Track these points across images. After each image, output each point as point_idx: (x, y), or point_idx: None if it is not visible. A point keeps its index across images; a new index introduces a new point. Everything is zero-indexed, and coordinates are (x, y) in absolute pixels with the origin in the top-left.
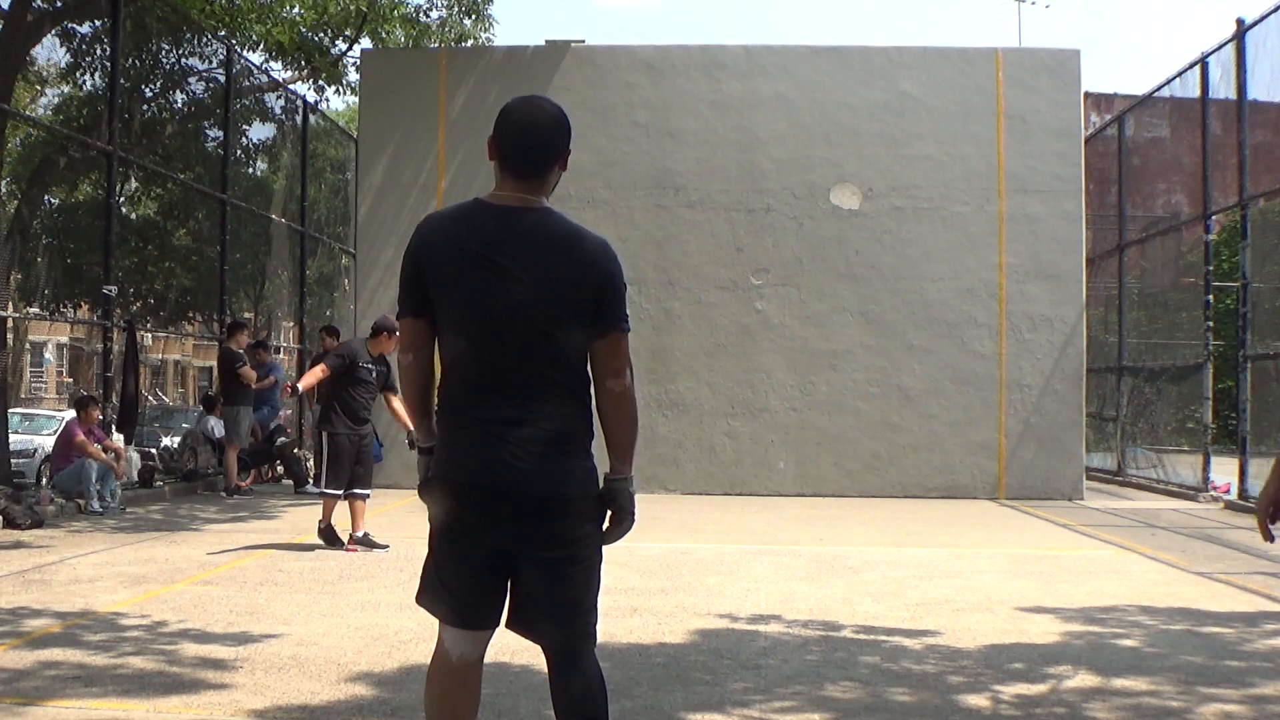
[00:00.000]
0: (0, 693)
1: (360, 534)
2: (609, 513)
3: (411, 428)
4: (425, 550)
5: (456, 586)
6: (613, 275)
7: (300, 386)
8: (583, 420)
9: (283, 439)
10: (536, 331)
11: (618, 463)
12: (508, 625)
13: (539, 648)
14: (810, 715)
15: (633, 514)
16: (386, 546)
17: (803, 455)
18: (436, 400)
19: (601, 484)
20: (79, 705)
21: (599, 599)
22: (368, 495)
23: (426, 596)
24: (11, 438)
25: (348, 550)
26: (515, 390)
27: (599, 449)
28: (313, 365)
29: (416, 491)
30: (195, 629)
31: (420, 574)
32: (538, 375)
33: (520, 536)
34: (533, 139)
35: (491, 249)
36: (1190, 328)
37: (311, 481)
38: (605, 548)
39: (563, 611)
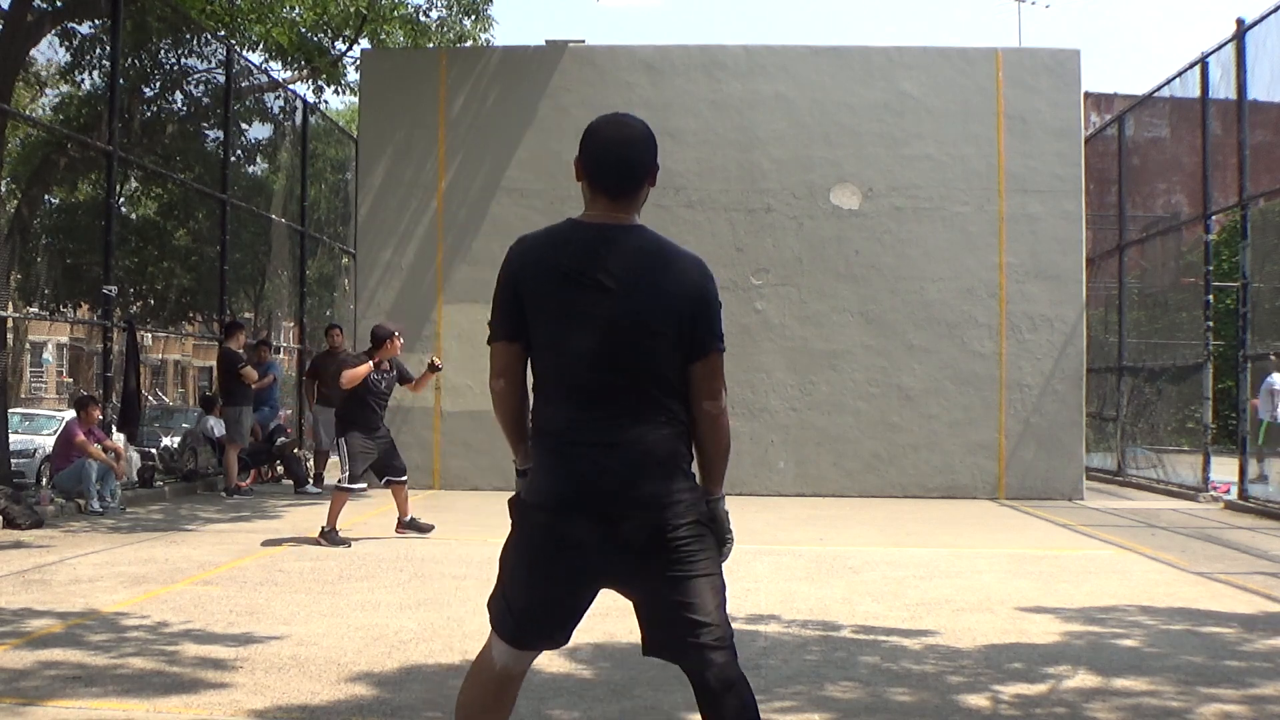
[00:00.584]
0: (1, 692)
1: (408, 519)
2: (709, 512)
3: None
4: (424, 551)
5: (523, 606)
6: (711, 293)
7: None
8: (684, 441)
9: (282, 439)
10: (639, 350)
11: (711, 485)
12: (645, 652)
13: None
14: (810, 715)
15: (732, 535)
16: (432, 527)
17: (803, 455)
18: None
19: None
20: (79, 705)
21: (727, 609)
22: (404, 480)
23: (491, 602)
24: (11, 438)
25: (398, 534)
26: (617, 410)
27: None
28: (313, 365)
29: (508, 505)
30: (195, 629)
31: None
32: (639, 394)
33: (630, 562)
34: (622, 159)
35: (592, 268)
36: (1190, 328)
37: (312, 481)
38: None
39: (682, 625)
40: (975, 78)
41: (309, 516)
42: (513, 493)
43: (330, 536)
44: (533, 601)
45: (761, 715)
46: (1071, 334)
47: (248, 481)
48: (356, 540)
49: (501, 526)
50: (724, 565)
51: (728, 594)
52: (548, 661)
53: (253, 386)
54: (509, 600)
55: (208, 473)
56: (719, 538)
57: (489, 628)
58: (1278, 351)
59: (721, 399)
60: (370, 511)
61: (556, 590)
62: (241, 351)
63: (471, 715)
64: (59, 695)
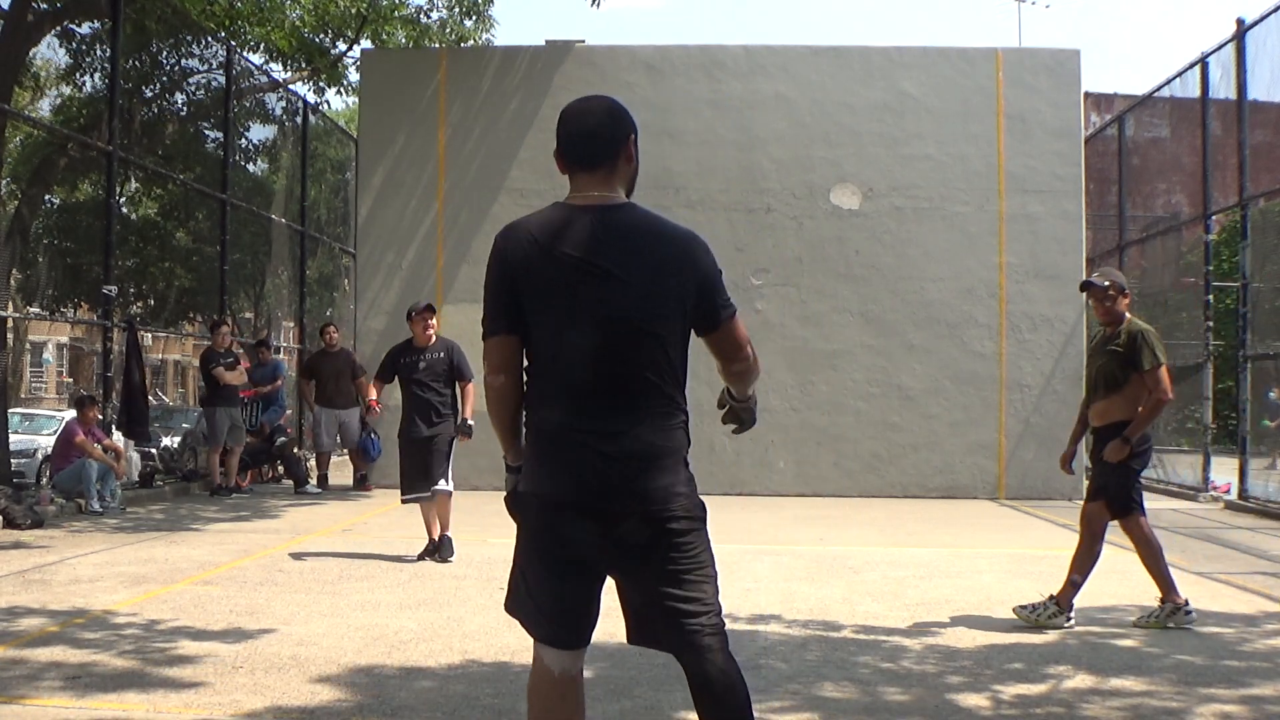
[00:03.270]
0: (0, 692)
1: (435, 539)
2: (730, 410)
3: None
4: (424, 550)
5: (552, 605)
6: (710, 267)
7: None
8: (683, 429)
9: (283, 439)
10: (643, 334)
11: (742, 393)
12: (630, 640)
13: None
14: (810, 715)
15: (753, 418)
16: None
17: (802, 455)
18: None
19: (730, 400)
20: (79, 705)
21: (719, 594)
22: (428, 496)
23: (519, 611)
24: (11, 438)
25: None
26: (619, 403)
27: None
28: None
29: (505, 504)
30: (195, 629)
31: (508, 582)
32: (641, 381)
33: (627, 551)
34: (584, 127)
35: (588, 252)
36: (1190, 328)
37: (313, 482)
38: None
39: (678, 615)
40: (975, 78)
41: (309, 517)
42: (505, 491)
43: (436, 547)
44: (557, 596)
45: (761, 715)
46: (1071, 334)
47: (246, 481)
48: (356, 540)
49: (500, 527)
50: (723, 564)
51: (730, 595)
52: None
53: (223, 384)
54: (536, 600)
55: (208, 473)
56: (748, 419)
57: (491, 626)
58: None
59: (748, 353)
60: (370, 511)
61: (571, 582)
62: (221, 351)
63: None
64: (59, 695)
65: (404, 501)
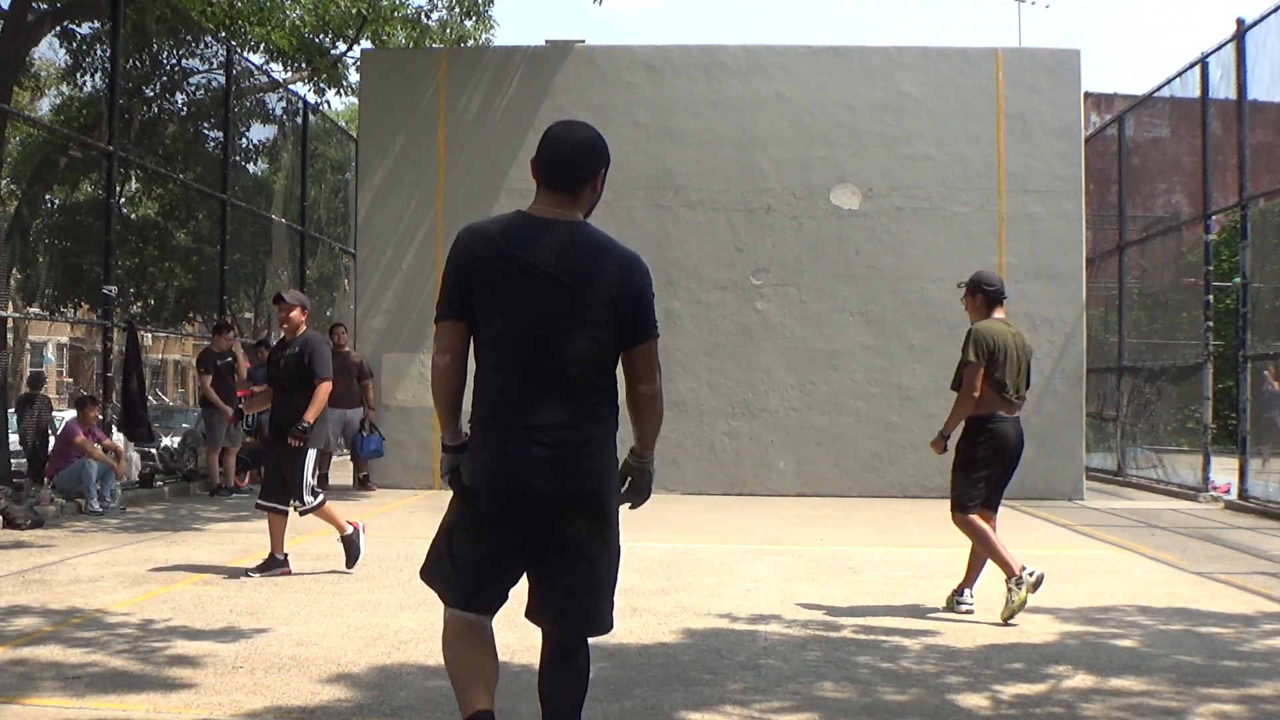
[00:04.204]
0: (0, 692)
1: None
2: (631, 480)
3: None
4: (423, 551)
5: (474, 580)
6: (646, 287)
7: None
8: (613, 420)
9: None
10: (580, 336)
11: (643, 448)
12: (527, 616)
13: (539, 648)
14: (809, 715)
15: (650, 490)
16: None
17: (802, 455)
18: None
19: (627, 458)
20: (79, 705)
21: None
22: (282, 510)
23: (434, 576)
24: (11, 438)
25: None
26: (556, 394)
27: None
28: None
29: (446, 480)
30: (195, 629)
31: (428, 552)
32: (577, 379)
33: (551, 534)
34: (563, 153)
35: (539, 258)
36: (1190, 328)
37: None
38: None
39: (582, 606)
40: (975, 78)
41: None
42: (443, 471)
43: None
44: (476, 567)
45: (762, 715)
46: (1071, 334)
47: (245, 481)
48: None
49: None
50: (723, 564)
51: (731, 595)
52: None
53: (205, 392)
54: (460, 575)
55: (207, 473)
56: (638, 488)
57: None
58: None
59: (656, 381)
60: (370, 512)
61: (494, 558)
62: (221, 352)
63: (468, 668)
64: (58, 695)
65: (256, 507)
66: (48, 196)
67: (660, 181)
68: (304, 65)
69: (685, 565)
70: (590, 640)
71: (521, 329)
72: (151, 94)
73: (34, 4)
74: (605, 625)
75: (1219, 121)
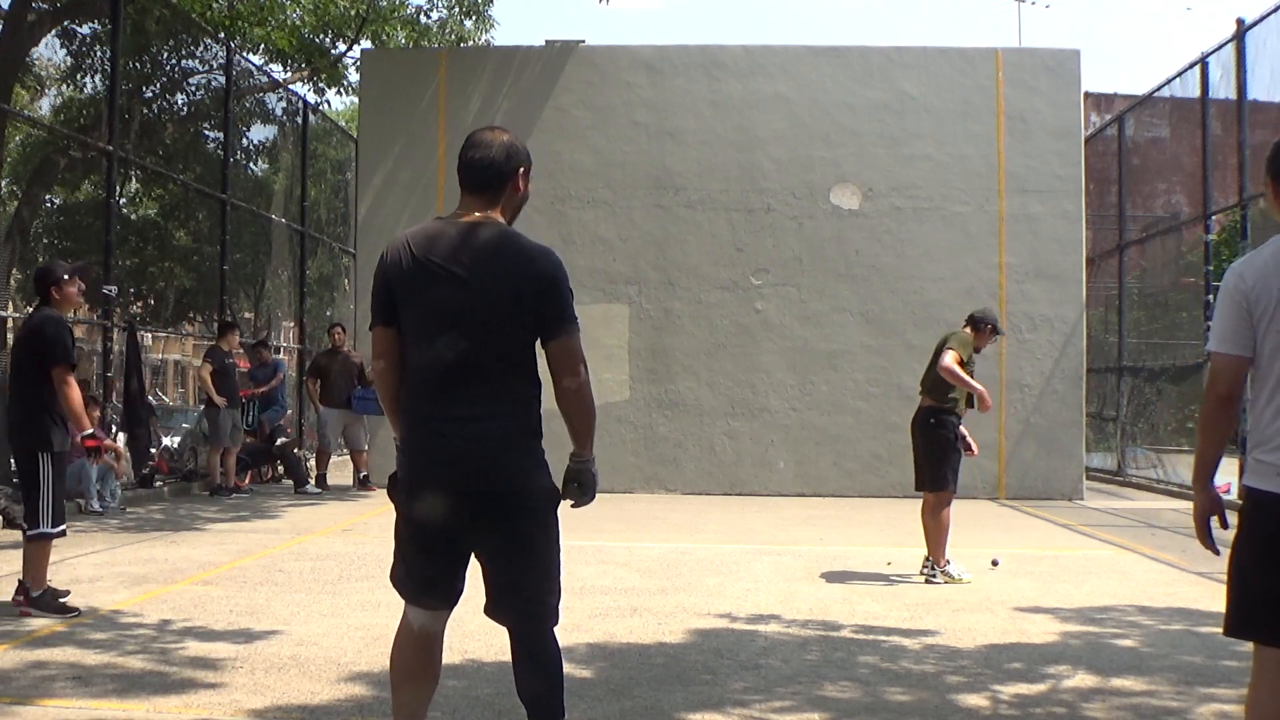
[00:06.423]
0: (0, 692)
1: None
2: (575, 485)
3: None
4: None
5: (417, 571)
6: (555, 278)
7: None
8: (534, 415)
9: (283, 439)
10: (488, 332)
11: (579, 448)
12: (486, 612)
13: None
14: (810, 715)
15: (594, 492)
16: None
17: (802, 455)
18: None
19: (569, 464)
20: (79, 705)
21: (561, 583)
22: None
23: (396, 580)
24: None
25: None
26: (471, 390)
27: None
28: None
29: (387, 484)
30: (195, 629)
31: (393, 556)
32: (492, 377)
33: (480, 529)
34: (476, 158)
35: (447, 259)
36: (1190, 328)
37: (313, 482)
38: (600, 546)
39: (522, 598)
40: (975, 78)
41: (309, 517)
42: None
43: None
44: (422, 563)
45: (762, 715)
46: (1071, 334)
47: (245, 481)
48: (356, 540)
49: None
50: (723, 564)
51: (731, 595)
52: None
53: (206, 386)
54: (407, 565)
55: (208, 473)
56: (582, 491)
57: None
58: None
59: (580, 374)
60: (370, 511)
61: (435, 553)
62: (228, 351)
63: (399, 680)
64: (59, 695)
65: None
66: (48, 196)
67: (660, 181)
68: (304, 65)
69: (685, 565)
70: (590, 640)
71: (433, 329)
72: (151, 94)
73: (34, 4)
74: (548, 617)
75: (1219, 121)
